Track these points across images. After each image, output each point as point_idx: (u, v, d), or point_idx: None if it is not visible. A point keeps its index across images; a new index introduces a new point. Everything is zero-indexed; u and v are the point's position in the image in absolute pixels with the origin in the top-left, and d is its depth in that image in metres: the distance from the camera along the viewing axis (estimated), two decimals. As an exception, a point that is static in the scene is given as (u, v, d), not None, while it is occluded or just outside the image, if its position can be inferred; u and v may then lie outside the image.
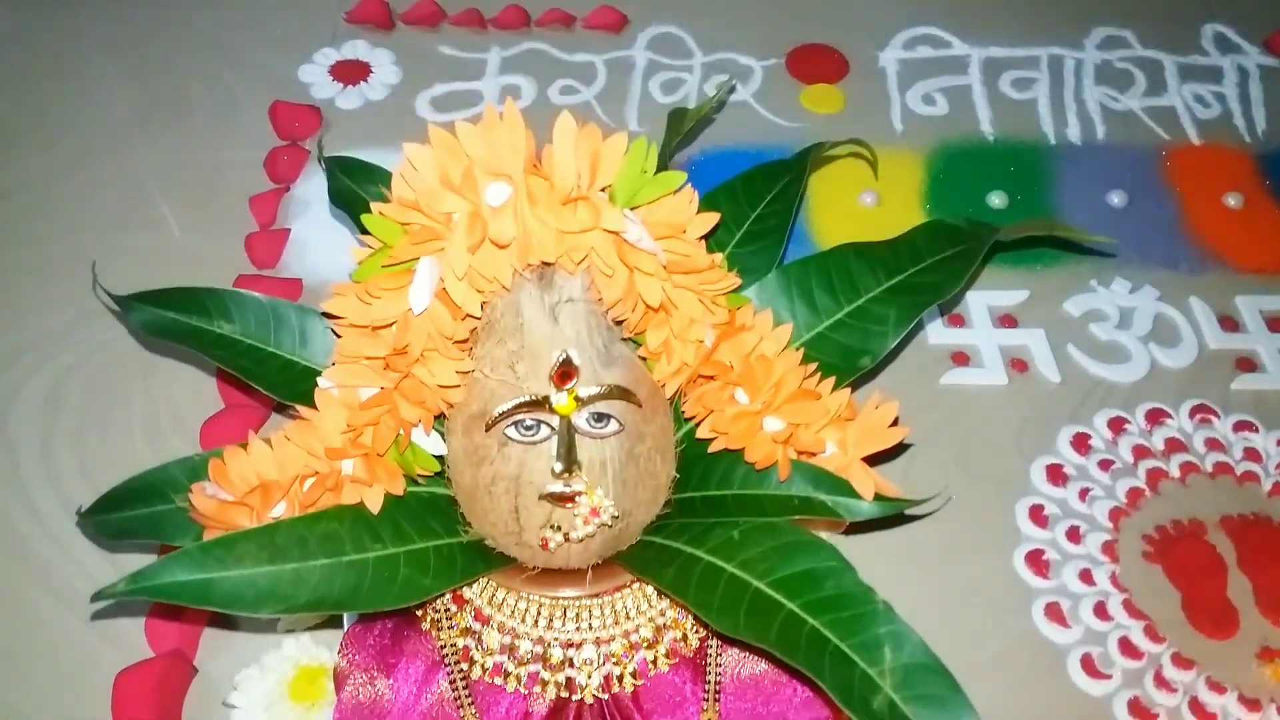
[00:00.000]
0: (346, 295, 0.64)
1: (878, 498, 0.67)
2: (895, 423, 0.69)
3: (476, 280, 0.61)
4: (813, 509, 0.68)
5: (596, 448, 0.65)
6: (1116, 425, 0.90)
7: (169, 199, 1.12)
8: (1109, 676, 0.78)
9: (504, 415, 0.62)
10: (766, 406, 0.68)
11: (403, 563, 0.66)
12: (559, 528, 0.66)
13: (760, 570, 0.64)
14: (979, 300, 0.99)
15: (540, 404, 0.62)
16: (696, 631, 0.76)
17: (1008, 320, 0.98)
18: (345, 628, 0.79)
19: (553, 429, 0.63)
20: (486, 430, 0.64)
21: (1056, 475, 0.88)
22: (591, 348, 0.63)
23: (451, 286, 0.60)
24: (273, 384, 0.71)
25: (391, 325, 0.63)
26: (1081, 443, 0.89)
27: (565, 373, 0.61)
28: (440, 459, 0.70)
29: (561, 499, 0.65)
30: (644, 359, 0.67)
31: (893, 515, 0.68)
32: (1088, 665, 0.77)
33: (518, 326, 0.62)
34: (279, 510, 0.65)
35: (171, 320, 0.74)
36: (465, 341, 0.65)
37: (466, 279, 0.61)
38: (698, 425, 0.72)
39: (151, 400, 0.95)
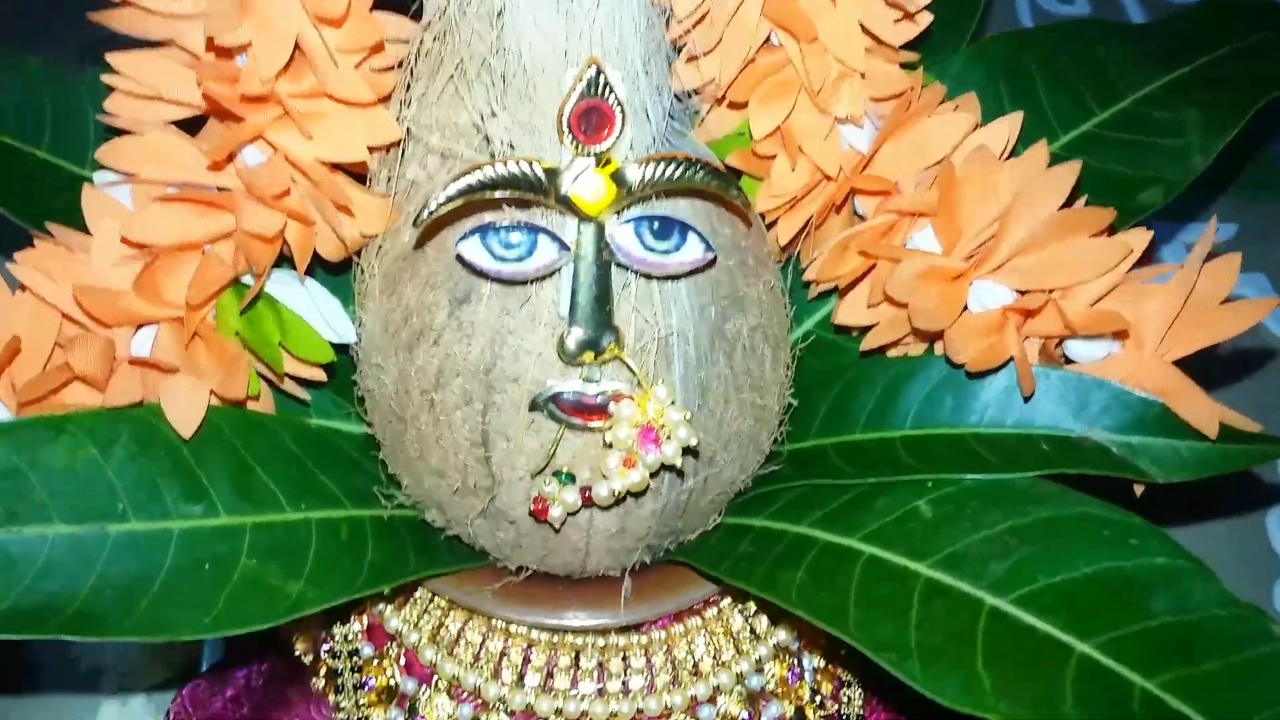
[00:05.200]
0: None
1: (1228, 435, 0.33)
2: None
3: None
4: (1082, 459, 0.34)
5: (653, 303, 0.31)
6: None
7: None
8: None
9: (466, 198, 0.28)
10: (981, 258, 0.34)
11: (248, 545, 0.32)
12: (570, 478, 0.32)
13: (998, 577, 0.30)
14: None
15: (539, 186, 0.28)
16: (822, 705, 0.41)
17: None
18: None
19: (561, 244, 0.29)
20: (419, 244, 0.31)
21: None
22: (645, 82, 0.29)
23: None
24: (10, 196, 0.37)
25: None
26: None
27: (595, 115, 0.28)
28: (343, 354, 0.36)
29: (579, 410, 0.31)
30: (728, 176, 0.32)
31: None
32: None
33: (489, 32, 0.29)
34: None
35: None
36: (383, 71, 0.32)
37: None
38: (837, 302, 0.39)
39: None
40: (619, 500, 0.31)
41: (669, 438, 0.30)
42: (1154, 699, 0.26)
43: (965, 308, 0.35)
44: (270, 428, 0.35)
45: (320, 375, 0.36)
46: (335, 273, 0.37)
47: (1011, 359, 0.34)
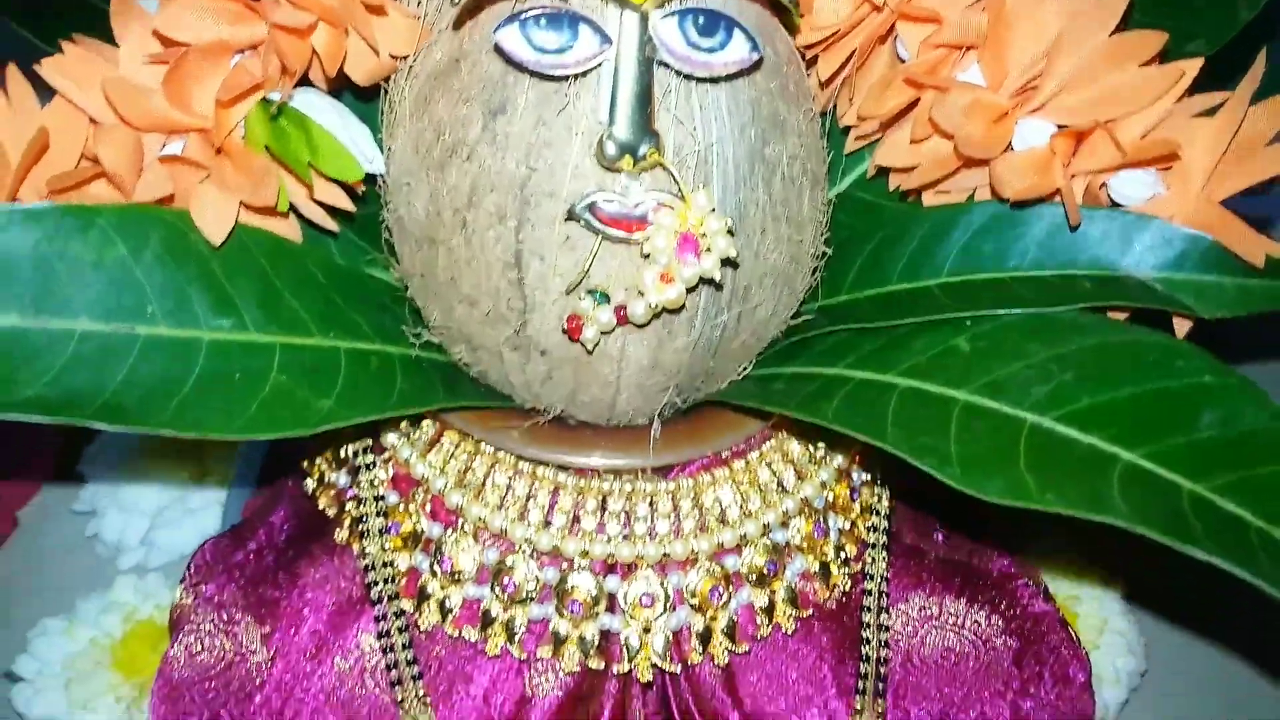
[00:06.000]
0: None
1: (1275, 271, 0.33)
2: None
3: None
4: (1124, 294, 0.33)
5: (693, 115, 0.30)
6: None
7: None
8: None
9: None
10: (1028, 95, 0.34)
11: (278, 363, 0.32)
12: (605, 297, 0.31)
13: (1039, 399, 0.30)
14: None
15: (581, -25, 0.27)
16: (846, 562, 0.40)
17: None
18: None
19: (604, 36, 0.28)
20: (458, 23, 0.30)
21: None
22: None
23: None
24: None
25: None
26: None
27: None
28: (371, 205, 0.36)
29: (617, 220, 0.30)
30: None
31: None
32: None
33: None
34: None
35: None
36: None
37: None
38: (874, 151, 0.38)
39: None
40: (656, 315, 0.31)
41: (708, 249, 0.29)
42: (1204, 500, 0.26)
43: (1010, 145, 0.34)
44: (299, 256, 0.35)
45: (348, 203, 0.35)
46: (365, 100, 0.36)
47: (1058, 192, 0.34)
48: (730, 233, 0.29)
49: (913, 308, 0.36)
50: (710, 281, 0.30)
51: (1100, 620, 0.51)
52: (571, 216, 0.30)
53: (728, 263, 0.30)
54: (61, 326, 0.29)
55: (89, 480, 0.55)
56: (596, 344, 0.32)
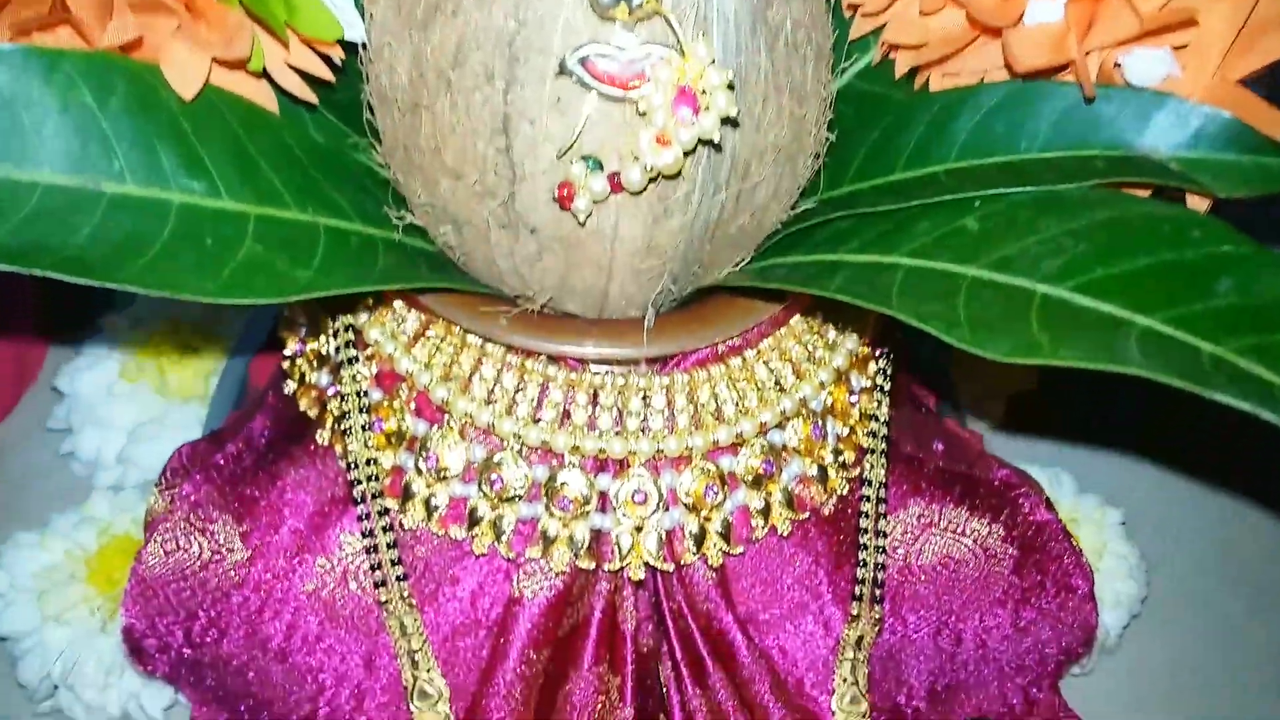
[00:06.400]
0: None
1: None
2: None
3: None
4: (1138, 172, 0.32)
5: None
6: None
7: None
8: None
9: None
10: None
11: (253, 231, 0.30)
12: (598, 164, 0.30)
13: (1052, 271, 0.28)
14: None
15: None
16: (844, 466, 0.39)
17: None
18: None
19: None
20: None
21: None
22: None
23: None
24: None
25: None
26: None
27: None
28: (353, 56, 0.34)
29: (612, 79, 0.28)
30: None
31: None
32: None
33: None
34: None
35: None
36: None
37: None
38: (883, 31, 0.36)
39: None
40: (652, 180, 0.29)
41: (707, 107, 0.28)
42: (1225, 360, 0.25)
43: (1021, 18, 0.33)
44: (274, 128, 0.33)
45: (326, 72, 0.33)
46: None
47: (1071, 65, 0.32)
48: (730, 87, 0.28)
49: (919, 194, 0.34)
50: (710, 143, 0.28)
51: (1100, 543, 0.50)
52: (563, 71, 0.29)
53: (728, 122, 0.29)
54: (25, 178, 0.27)
55: (66, 396, 0.54)
56: (588, 215, 0.30)
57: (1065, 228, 0.30)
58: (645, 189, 0.30)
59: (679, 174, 0.29)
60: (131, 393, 0.53)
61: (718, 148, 0.30)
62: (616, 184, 0.29)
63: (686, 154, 0.28)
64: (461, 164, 0.31)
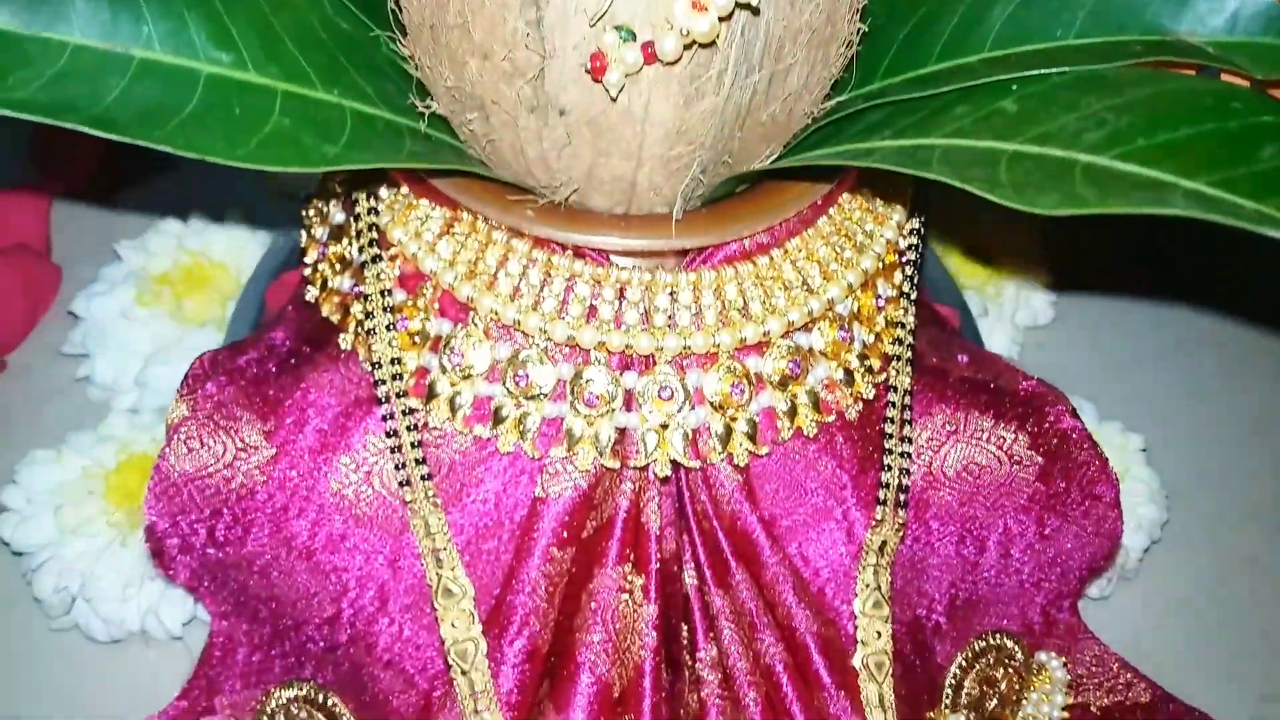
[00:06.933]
0: None
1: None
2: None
3: None
4: (1175, 53, 0.32)
5: None
6: None
7: None
8: None
9: None
10: None
11: (280, 106, 0.30)
12: (630, 34, 0.29)
13: (1094, 140, 0.28)
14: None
15: None
16: (870, 371, 0.39)
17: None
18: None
19: None
20: None
21: None
22: None
23: None
24: None
25: None
26: None
27: None
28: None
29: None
30: None
31: None
32: None
33: None
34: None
35: None
36: None
37: None
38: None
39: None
40: (687, 47, 0.29)
41: (743, -28, 0.27)
42: (1271, 216, 0.24)
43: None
44: (298, 8, 0.33)
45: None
46: None
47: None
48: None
49: (955, 84, 0.34)
50: (747, 6, 0.28)
51: (1122, 469, 0.50)
52: (596, -65, 0.28)
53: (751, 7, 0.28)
54: (56, 37, 0.27)
55: (81, 320, 0.54)
56: (620, 89, 0.30)
57: (1106, 104, 0.29)
58: (679, 60, 0.29)
59: (714, 43, 0.29)
60: (148, 317, 0.53)
61: (755, 10, 0.29)
62: (650, 54, 0.29)
63: (721, 19, 0.28)
64: (490, 40, 0.31)
